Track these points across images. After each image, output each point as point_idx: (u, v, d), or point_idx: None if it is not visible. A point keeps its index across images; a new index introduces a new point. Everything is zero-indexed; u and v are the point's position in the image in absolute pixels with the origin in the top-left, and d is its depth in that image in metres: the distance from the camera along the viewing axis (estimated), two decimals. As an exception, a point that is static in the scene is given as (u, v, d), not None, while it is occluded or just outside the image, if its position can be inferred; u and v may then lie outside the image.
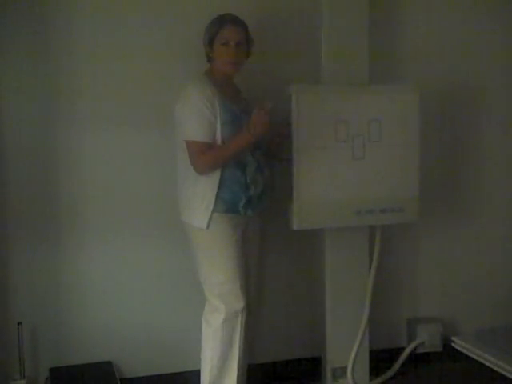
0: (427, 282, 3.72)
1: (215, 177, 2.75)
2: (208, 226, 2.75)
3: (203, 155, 2.72)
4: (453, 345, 3.71)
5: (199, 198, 2.76)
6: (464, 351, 3.65)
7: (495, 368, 3.44)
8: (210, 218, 2.75)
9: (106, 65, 3.10)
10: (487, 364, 3.50)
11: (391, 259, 3.58)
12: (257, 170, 2.82)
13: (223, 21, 2.80)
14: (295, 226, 3.02)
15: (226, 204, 2.77)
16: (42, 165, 3.08)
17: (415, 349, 3.63)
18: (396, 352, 3.58)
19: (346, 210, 3.05)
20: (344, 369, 3.30)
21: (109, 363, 3.17)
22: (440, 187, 3.67)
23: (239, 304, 2.81)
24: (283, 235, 3.32)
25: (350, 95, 3.04)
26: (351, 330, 3.27)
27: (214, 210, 2.75)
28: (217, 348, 2.81)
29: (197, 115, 2.71)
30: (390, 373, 3.46)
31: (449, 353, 3.69)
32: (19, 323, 3.01)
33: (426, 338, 3.62)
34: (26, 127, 3.05)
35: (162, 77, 3.15)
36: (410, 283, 3.70)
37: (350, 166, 3.04)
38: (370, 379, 3.39)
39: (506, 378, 3.36)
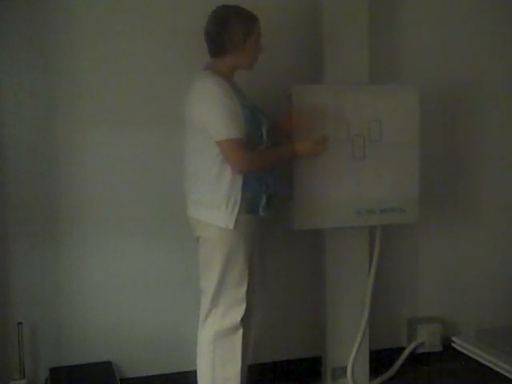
0: (427, 281, 3.72)
1: (239, 176, 2.67)
2: (234, 226, 2.66)
3: (246, 152, 2.63)
4: (453, 345, 3.71)
5: (225, 198, 2.65)
6: (464, 351, 3.65)
7: (495, 368, 3.44)
8: (237, 218, 2.67)
9: (107, 64, 3.10)
10: (487, 364, 3.50)
11: (391, 259, 3.59)
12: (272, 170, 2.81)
13: (255, 17, 2.74)
14: (295, 226, 3.02)
15: (248, 204, 2.70)
16: (42, 164, 3.08)
17: (415, 349, 3.63)
18: (396, 352, 3.58)
19: (346, 210, 3.05)
20: (344, 369, 3.30)
21: (109, 363, 3.17)
22: (440, 187, 3.67)
23: (242, 309, 2.77)
24: (283, 235, 3.32)
25: (350, 95, 3.04)
26: (351, 330, 3.27)
27: (239, 211, 2.67)
28: (220, 356, 2.77)
29: (226, 112, 2.59)
30: (389, 373, 3.47)
31: (449, 353, 3.69)
32: (19, 323, 3.01)
33: (426, 338, 3.62)
34: (26, 127, 3.04)
35: (163, 76, 3.15)
36: (410, 283, 3.70)
37: (350, 166, 3.04)
38: (370, 379, 3.39)
39: (506, 378, 3.36)
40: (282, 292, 3.45)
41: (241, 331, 2.78)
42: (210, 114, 2.62)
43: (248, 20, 2.72)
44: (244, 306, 2.77)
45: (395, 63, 3.52)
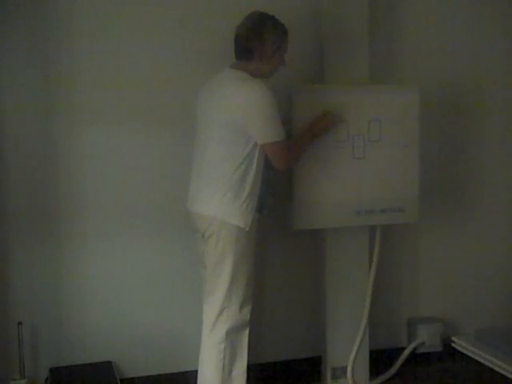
0: (427, 282, 3.72)
1: (259, 178, 2.74)
2: (249, 227, 2.72)
3: (291, 152, 2.77)
4: (453, 345, 3.71)
5: (247, 198, 2.70)
6: (464, 351, 3.65)
7: (495, 368, 3.44)
8: (253, 219, 2.73)
9: (106, 64, 3.10)
10: (487, 364, 3.50)
11: (391, 259, 3.59)
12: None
13: (287, 31, 2.78)
14: (295, 226, 3.02)
15: (256, 204, 2.77)
16: (42, 164, 3.08)
17: (415, 349, 3.63)
18: (396, 352, 3.58)
19: (345, 210, 3.05)
20: (344, 369, 3.30)
21: (109, 363, 3.17)
22: (440, 187, 3.67)
23: (250, 307, 2.81)
24: (283, 235, 3.32)
25: (350, 95, 3.04)
26: (351, 330, 3.26)
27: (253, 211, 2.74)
28: (230, 355, 2.78)
29: (275, 115, 2.66)
30: (389, 373, 3.46)
31: (449, 353, 3.69)
32: (19, 323, 3.01)
33: (426, 338, 3.62)
34: (25, 127, 3.04)
35: (163, 76, 3.15)
36: (410, 283, 3.70)
37: (350, 166, 3.04)
38: (370, 379, 3.39)
39: (506, 378, 3.36)
40: (282, 292, 3.45)
41: (248, 328, 2.81)
42: (257, 117, 2.64)
43: (281, 34, 2.76)
44: (251, 304, 2.81)
45: (395, 63, 3.51)
